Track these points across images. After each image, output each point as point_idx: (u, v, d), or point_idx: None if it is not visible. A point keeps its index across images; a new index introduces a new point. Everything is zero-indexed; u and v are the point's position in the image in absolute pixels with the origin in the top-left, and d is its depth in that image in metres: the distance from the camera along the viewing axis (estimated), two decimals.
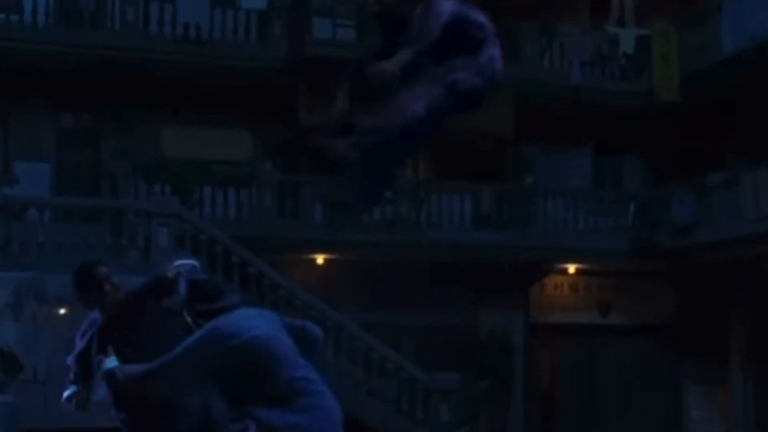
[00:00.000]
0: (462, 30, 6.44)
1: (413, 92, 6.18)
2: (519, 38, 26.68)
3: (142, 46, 24.21)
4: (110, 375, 6.62)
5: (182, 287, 6.91)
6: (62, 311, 20.77)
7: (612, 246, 26.35)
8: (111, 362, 6.68)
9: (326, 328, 20.50)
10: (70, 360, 7.29)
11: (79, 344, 7.22)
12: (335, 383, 19.83)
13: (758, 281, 25.93)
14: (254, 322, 6.64)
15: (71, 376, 7.28)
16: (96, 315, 7.25)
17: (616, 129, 27.10)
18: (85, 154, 25.93)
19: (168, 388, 6.41)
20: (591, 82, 26.64)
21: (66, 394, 7.27)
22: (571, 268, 27.54)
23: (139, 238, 20.79)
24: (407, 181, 26.03)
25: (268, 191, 24.41)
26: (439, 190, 25.92)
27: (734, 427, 26.88)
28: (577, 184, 28.11)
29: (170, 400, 6.39)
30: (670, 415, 28.45)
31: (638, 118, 26.74)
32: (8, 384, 14.40)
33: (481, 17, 6.54)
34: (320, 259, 25.62)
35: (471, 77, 6.34)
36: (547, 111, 26.37)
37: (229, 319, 6.67)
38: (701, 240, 25.17)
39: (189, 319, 6.93)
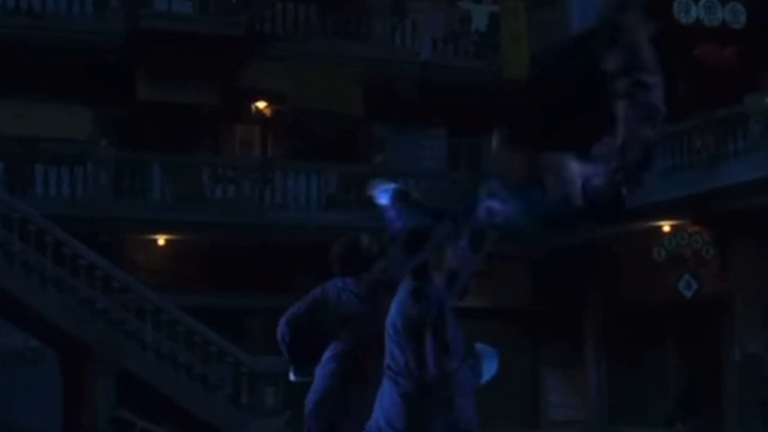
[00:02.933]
0: None
1: None
2: (370, 16, 26.12)
3: None
4: None
5: None
6: None
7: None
8: None
9: (145, 311, 19.83)
10: None
11: None
12: (156, 366, 19.09)
13: (610, 263, 25.61)
14: None
15: None
16: None
17: (471, 109, 26.54)
18: None
19: None
20: (443, 59, 26.14)
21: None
22: None
23: None
24: (250, 160, 25.36)
25: (104, 169, 23.52)
26: (284, 169, 25.20)
27: (589, 411, 26.55)
28: (431, 165, 27.60)
29: None
30: (528, 400, 28.07)
31: (493, 98, 26.21)
32: None
33: None
34: (162, 240, 24.82)
35: None
36: (398, 90, 25.80)
37: None
38: None
39: None
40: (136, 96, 24.56)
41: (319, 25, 25.61)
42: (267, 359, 19.59)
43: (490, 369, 6.60)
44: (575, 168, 5.41)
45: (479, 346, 6.76)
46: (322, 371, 7.26)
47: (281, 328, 7.39)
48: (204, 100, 25.07)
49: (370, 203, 23.66)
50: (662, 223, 22.95)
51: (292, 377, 7.46)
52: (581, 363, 27.08)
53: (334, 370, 7.21)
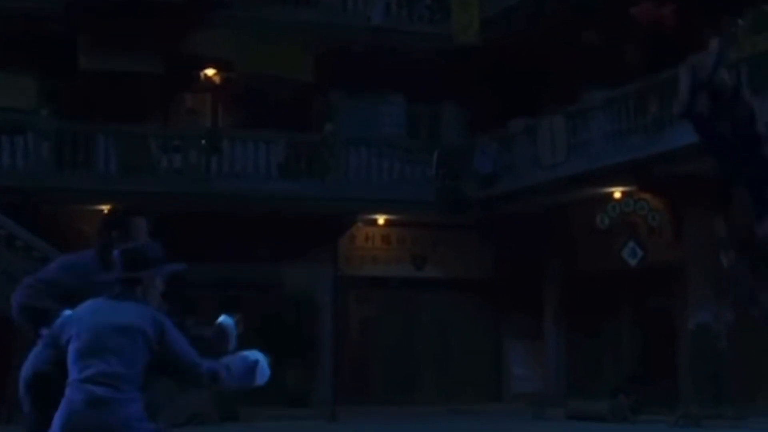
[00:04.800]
0: None
1: None
2: None
3: None
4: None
5: None
6: None
7: (419, 197, 25.31)
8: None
9: None
10: None
11: None
12: None
13: (565, 231, 25.06)
14: None
15: None
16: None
17: (430, 75, 25.94)
18: None
19: None
20: (396, 24, 25.57)
21: None
22: (381, 220, 26.44)
23: None
24: (197, 129, 24.86)
25: (45, 140, 23.08)
26: (232, 138, 24.69)
27: (548, 380, 26.02)
28: (390, 132, 27.06)
29: None
30: (490, 372, 27.60)
31: (451, 64, 25.65)
32: None
33: None
34: (107, 210, 24.29)
35: None
36: (350, 56, 25.24)
37: None
38: (503, 189, 24.25)
39: None
40: (78, 65, 24.05)
41: None
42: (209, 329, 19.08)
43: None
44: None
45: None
46: None
47: None
48: (149, 69, 24.50)
49: (321, 172, 23.13)
50: (613, 189, 22.40)
51: None
52: (543, 334, 26.57)
53: None
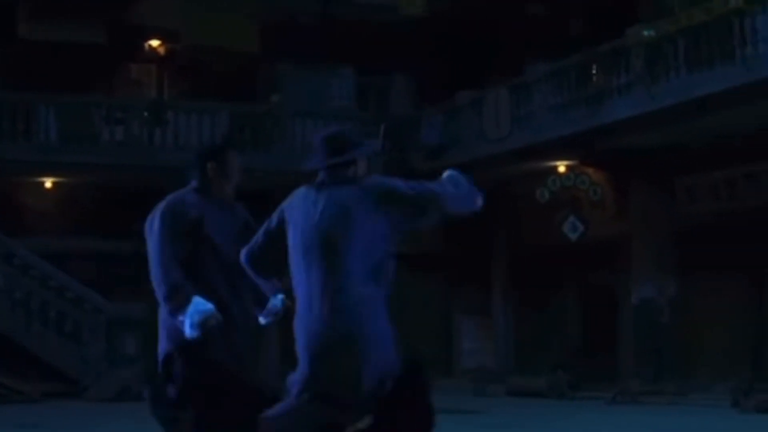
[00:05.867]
0: None
1: None
2: None
3: None
4: None
5: None
6: None
7: (368, 169, 24.96)
8: None
9: None
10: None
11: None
12: (8, 312, 18.26)
13: (512, 205, 24.81)
14: None
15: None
16: None
17: (379, 47, 25.61)
18: None
19: None
20: None
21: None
22: None
23: None
24: (140, 101, 24.53)
25: None
26: (176, 109, 24.35)
27: (497, 355, 25.82)
28: (339, 104, 26.76)
29: None
30: (441, 347, 27.34)
31: (399, 35, 25.33)
32: None
33: None
34: (49, 183, 24.05)
35: None
36: (297, 26, 24.92)
37: None
38: (450, 162, 23.93)
39: None
40: (17, 33, 23.69)
41: None
42: (124, 306, 18.86)
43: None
44: None
45: None
46: None
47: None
48: (91, 38, 24.16)
49: (266, 144, 22.78)
50: (557, 163, 22.18)
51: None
52: (491, 308, 26.36)
53: None
